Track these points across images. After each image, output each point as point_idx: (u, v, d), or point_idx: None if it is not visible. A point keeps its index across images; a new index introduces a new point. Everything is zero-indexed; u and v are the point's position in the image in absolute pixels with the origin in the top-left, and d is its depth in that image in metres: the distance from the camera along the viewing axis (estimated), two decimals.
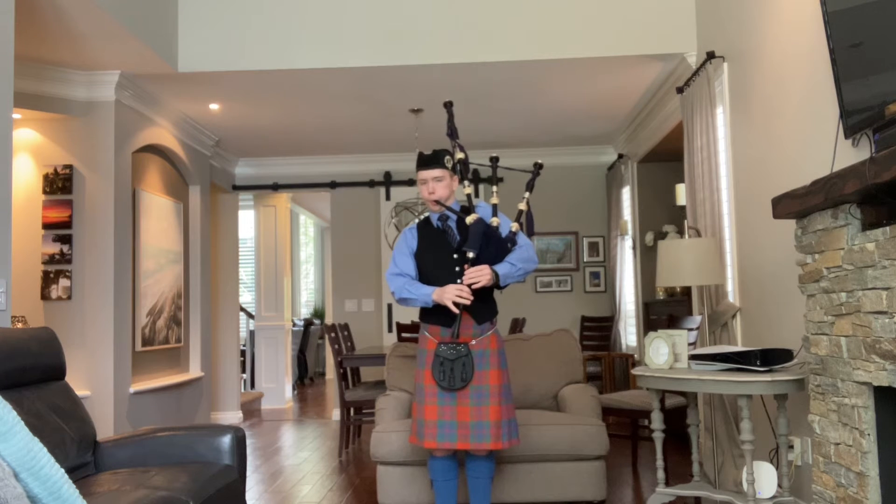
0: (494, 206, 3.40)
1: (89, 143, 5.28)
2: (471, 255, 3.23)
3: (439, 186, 3.36)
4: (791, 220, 3.47)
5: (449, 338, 3.30)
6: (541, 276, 8.17)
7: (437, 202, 3.37)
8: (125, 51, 4.81)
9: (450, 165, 3.38)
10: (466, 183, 3.42)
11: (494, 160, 3.51)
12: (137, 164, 5.89)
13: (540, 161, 3.55)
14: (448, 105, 3.53)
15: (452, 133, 3.47)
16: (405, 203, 7.51)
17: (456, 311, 3.21)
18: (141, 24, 4.68)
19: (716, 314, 4.43)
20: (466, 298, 3.20)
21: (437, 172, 3.35)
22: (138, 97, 5.58)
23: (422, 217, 3.55)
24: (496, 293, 3.42)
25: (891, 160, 2.16)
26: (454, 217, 3.42)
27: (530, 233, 3.48)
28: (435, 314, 3.35)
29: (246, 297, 11.64)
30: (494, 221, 3.32)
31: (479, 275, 3.22)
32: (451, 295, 3.21)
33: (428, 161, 3.37)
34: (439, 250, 3.40)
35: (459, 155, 3.41)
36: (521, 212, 3.44)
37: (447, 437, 3.26)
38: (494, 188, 3.50)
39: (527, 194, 3.47)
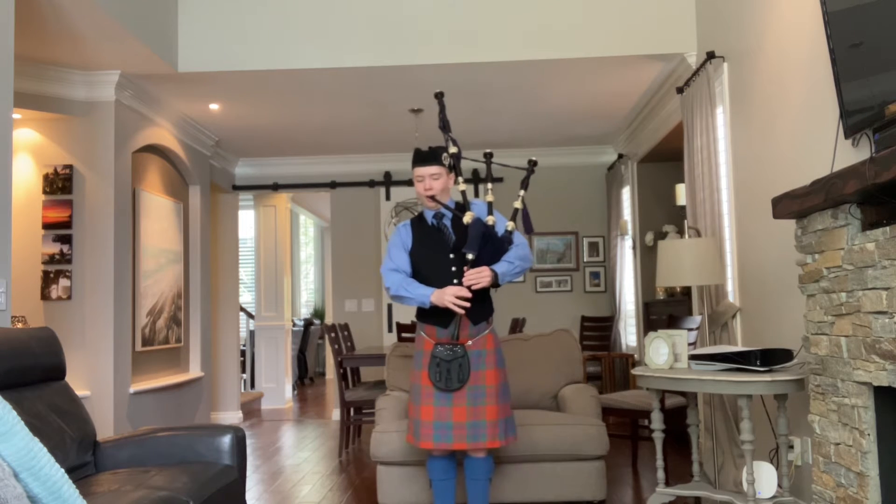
0: (490, 204, 3.36)
1: (89, 143, 5.28)
2: (470, 256, 3.21)
3: (436, 184, 3.33)
4: (791, 220, 3.47)
5: (446, 339, 3.29)
6: (541, 276, 8.17)
7: (434, 199, 3.34)
8: (125, 51, 4.82)
9: (447, 163, 3.36)
10: (461, 180, 3.38)
11: (488, 156, 3.47)
12: (137, 164, 5.89)
13: (534, 158, 3.51)
14: (439, 96, 3.46)
15: (444, 125, 3.42)
16: (405, 203, 7.51)
17: (461, 311, 3.20)
18: (141, 24, 4.68)
19: (716, 314, 4.43)
20: (467, 300, 3.19)
21: (434, 169, 3.32)
22: (138, 97, 5.58)
23: (415, 213, 3.51)
24: (492, 291, 3.40)
25: (891, 160, 2.16)
26: (449, 215, 3.40)
27: (528, 230, 3.44)
28: (432, 314, 3.33)
29: (246, 297, 11.64)
30: (490, 220, 3.29)
31: (478, 277, 3.20)
32: (451, 297, 3.19)
33: (425, 157, 3.34)
34: (435, 249, 3.37)
35: (452, 149, 3.37)
36: (516, 210, 3.41)
37: (444, 437, 3.25)
38: (490, 186, 3.47)
39: (522, 192, 3.44)
